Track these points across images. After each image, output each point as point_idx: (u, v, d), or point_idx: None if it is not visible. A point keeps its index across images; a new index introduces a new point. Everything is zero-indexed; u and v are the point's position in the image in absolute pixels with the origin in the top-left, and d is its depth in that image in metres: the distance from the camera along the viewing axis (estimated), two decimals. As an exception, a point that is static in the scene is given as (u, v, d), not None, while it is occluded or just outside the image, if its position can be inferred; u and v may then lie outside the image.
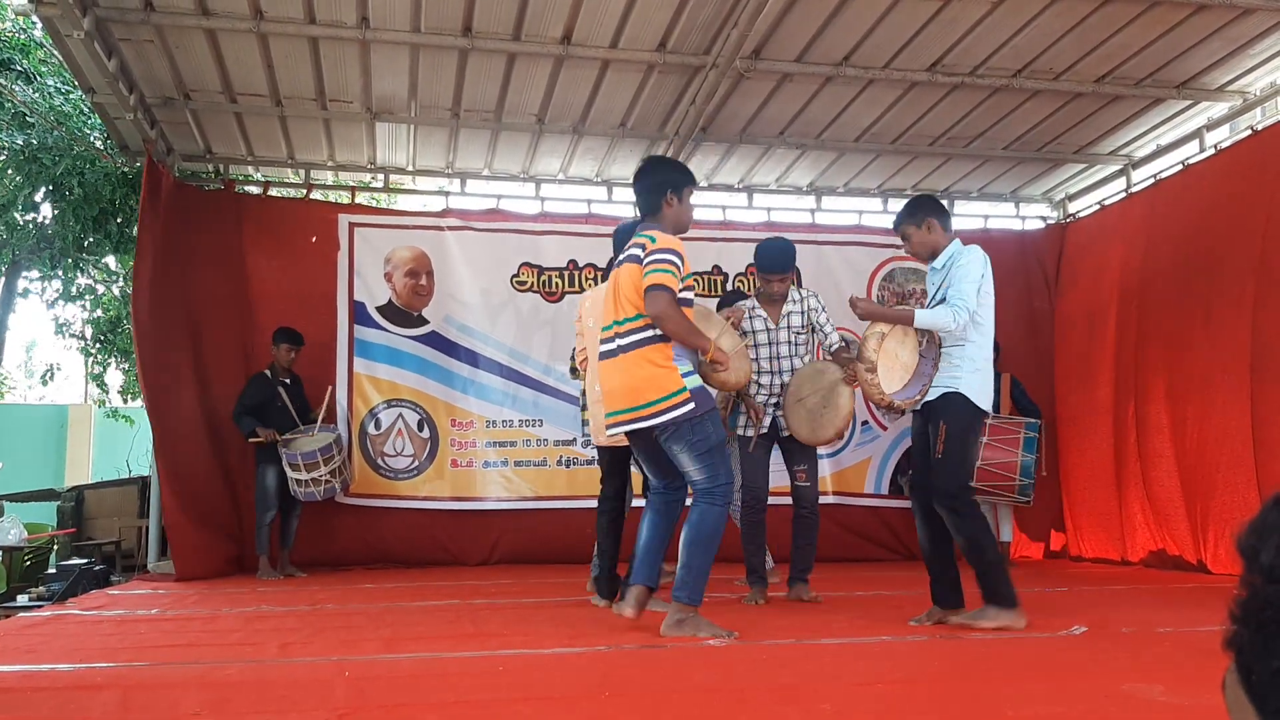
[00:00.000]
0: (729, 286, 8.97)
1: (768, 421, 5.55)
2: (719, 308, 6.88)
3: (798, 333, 5.61)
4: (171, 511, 7.10)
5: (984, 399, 4.53)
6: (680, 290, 4.25)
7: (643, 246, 4.30)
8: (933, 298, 4.68)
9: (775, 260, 5.66)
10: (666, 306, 4.15)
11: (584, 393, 5.79)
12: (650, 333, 4.24)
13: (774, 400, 5.56)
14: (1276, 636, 0.85)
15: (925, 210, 4.75)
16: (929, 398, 4.56)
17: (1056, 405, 8.89)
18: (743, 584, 5.83)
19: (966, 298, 4.47)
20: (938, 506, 4.48)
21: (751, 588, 5.65)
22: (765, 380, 5.58)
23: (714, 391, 5.82)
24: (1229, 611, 0.90)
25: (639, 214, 4.60)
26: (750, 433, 5.59)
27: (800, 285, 5.81)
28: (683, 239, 9.21)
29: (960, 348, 4.52)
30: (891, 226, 4.96)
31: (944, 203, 9.48)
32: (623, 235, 5.18)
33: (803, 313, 5.64)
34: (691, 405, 4.16)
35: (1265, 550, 0.87)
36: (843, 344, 5.64)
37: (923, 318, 4.50)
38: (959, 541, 4.46)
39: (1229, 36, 6.75)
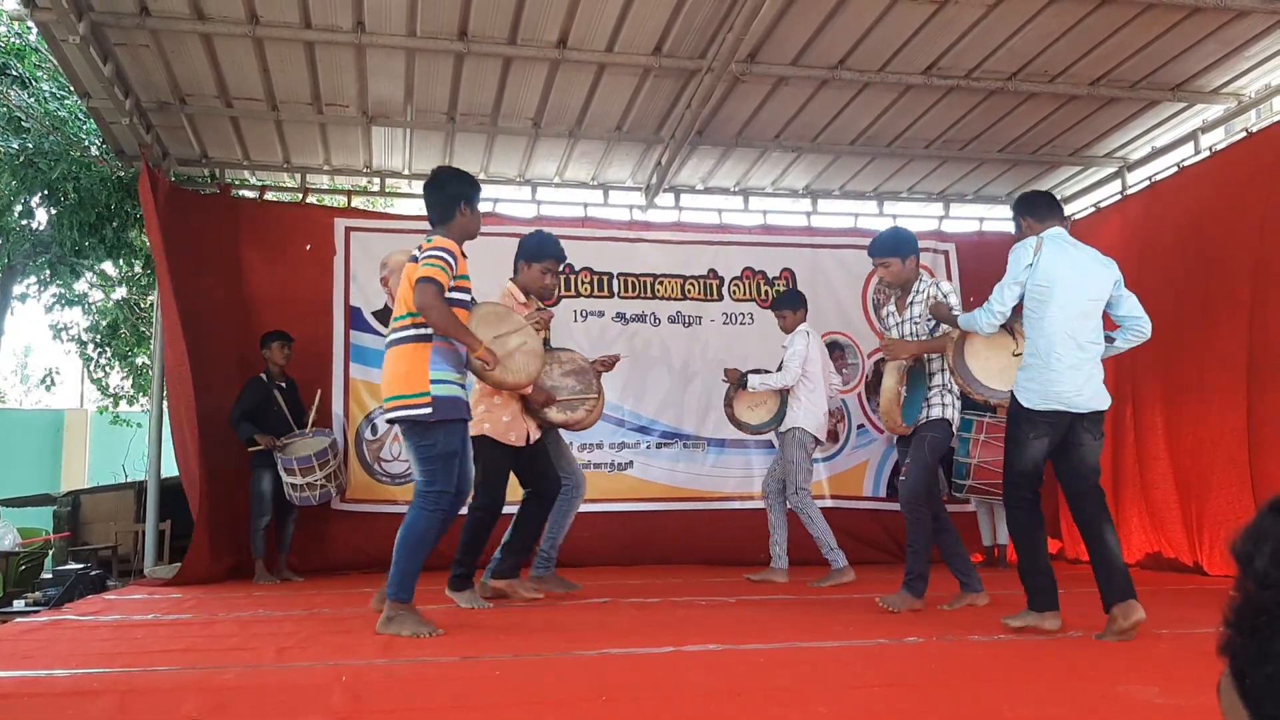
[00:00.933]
0: (724, 290, 8.97)
1: (935, 413, 5.35)
2: (777, 306, 7.14)
3: (916, 322, 5.44)
4: (203, 513, 7.12)
5: (1034, 396, 4.38)
6: (452, 290, 4.45)
7: (420, 247, 4.54)
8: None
9: (872, 246, 5.68)
10: (430, 299, 4.32)
11: None
12: (411, 332, 4.46)
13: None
14: (1270, 641, 0.85)
15: (1021, 209, 4.78)
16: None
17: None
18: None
19: (996, 295, 4.51)
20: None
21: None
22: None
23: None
24: (1223, 616, 0.90)
25: (430, 222, 4.74)
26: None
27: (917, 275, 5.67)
28: (680, 240, 9.28)
29: (1030, 343, 4.48)
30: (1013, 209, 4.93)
31: (945, 205, 9.57)
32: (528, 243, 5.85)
33: (923, 301, 5.45)
34: (427, 410, 4.35)
35: (1259, 556, 0.87)
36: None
37: (962, 320, 4.70)
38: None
39: (1224, 39, 6.77)
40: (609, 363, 6.13)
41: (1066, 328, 4.37)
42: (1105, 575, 4.22)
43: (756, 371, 6.99)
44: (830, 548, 6.77)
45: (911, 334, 5.43)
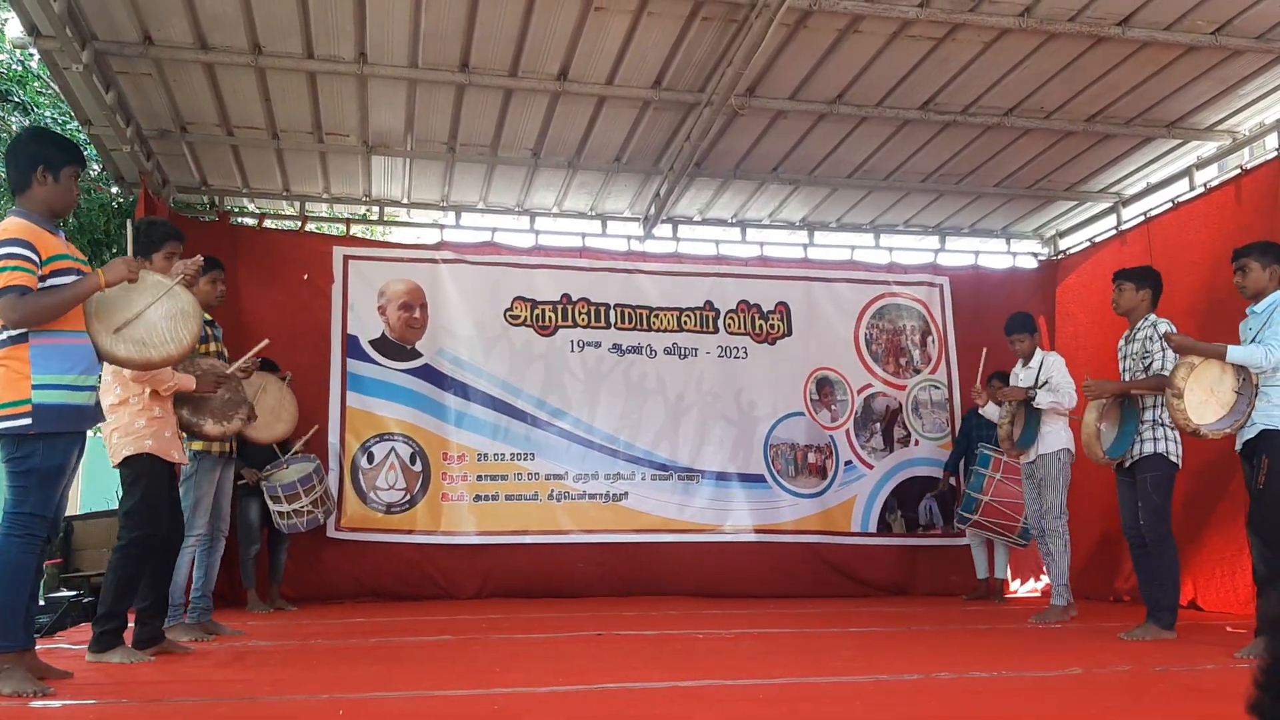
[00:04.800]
0: (720, 322, 8.98)
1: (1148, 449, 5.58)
2: (1010, 331, 6.90)
3: (1133, 359, 5.72)
4: None
5: None
6: (47, 278, 3.70)
7: None
8: (1251, 339, 4.90)
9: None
10: (16, 311, 3.60)
11: None
12: (4, 334, 3.70)
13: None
14: None
15: (1275, 256, 4.95)
16: (1248, 435, 4.83)
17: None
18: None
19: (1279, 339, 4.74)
20: (1251, 534, 4.83)
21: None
22: None
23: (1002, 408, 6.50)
24: (1253, 678, 0.91)
25: (11, 191, 3.94)
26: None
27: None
28: (677, 272, 9.29)
29: (1276, 388, 4.79)
30: (1240, 252, 5.04)
31: (941, 238, 9.62)
32: None
33: (1142, 340, 5.68)
34: (26, 421, 3.64)
35: None
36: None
37: (1235, 353, 4.80)
38: (1259, 570, 4.82)
39: (1218, 77, 6.84)
40: (249, 368, 5.49)
41: None
42: None
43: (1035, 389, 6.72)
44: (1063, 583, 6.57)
45: (1128, 369, 5.73)
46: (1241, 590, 6.69)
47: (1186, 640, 5.47)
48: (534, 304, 8.72)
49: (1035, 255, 9.86)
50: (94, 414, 3.94)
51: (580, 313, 8.77)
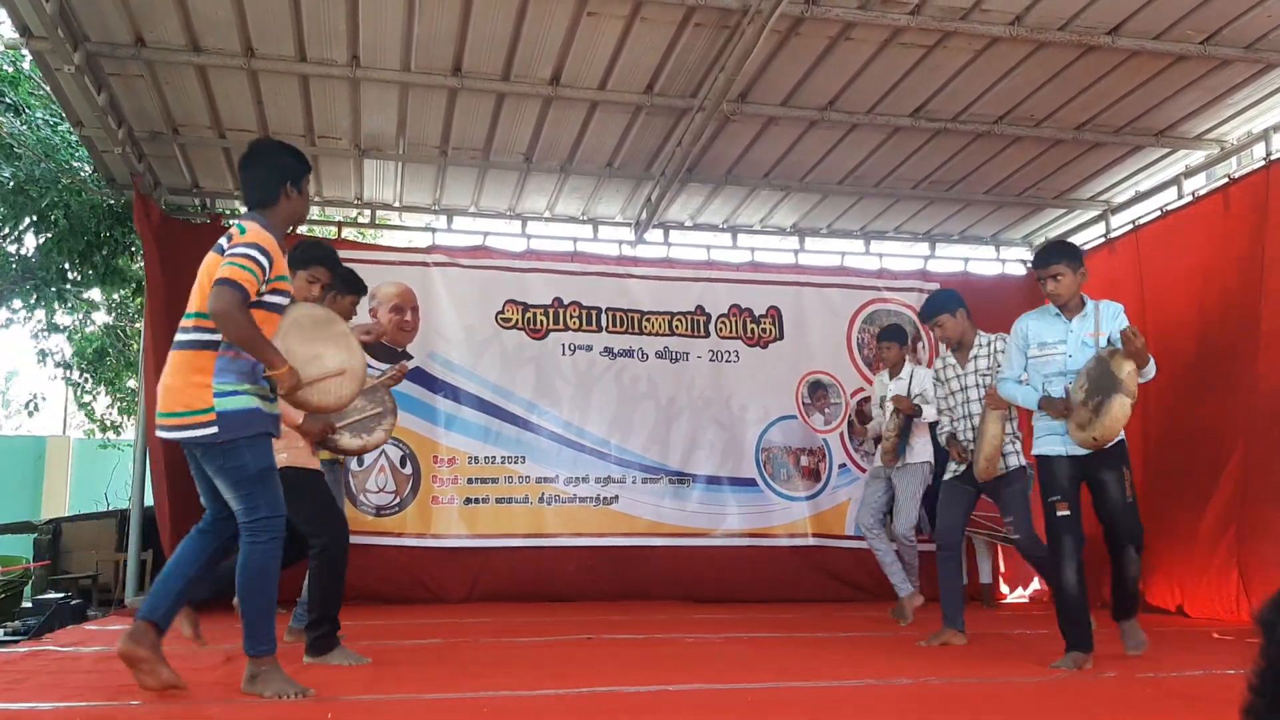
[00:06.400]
0: (711, 327, 9.01)
1: (1013, 462, 5.55)
2: (881, 339, 7.08)
3: (983, 375, 5.65)
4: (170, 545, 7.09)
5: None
6: (266, 295, 3.68)
7: (230, 236, 3.73)
8: (1082, 343, 4.73)
9: (923, 308, 6.03)
10: (230, 306, 3.52)
11: None
12: (196, 336, 3.67)
13: (968, 443, 5.59)
14: None
15: (1081, 259, 4.89)
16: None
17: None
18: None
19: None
20: (1133, 548, 4.73)
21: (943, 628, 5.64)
22: (961, 425, 5.66)
23: (884, 420, 6.48)
24: (1247, 682, 0.92)
25: (246, 205, 3.96)
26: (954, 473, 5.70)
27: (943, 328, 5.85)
28: (668, 277, 9.31)
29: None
30: (1041, 260, 4.92)
31: (930, 245, 9.66)
32: None
33: (989, 356, 5.67)
34: (214, 430, 3.58)
35: None
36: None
37: (1149, 371, 4.59)
38: (1133, 580, 4.76)
39: (1207, 86, 6.89)
40: (398, 376, 5.41)
41: None
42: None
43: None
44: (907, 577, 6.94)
45: (976, 385, 5.63)
46: (1227, 596, 6.72)
47: (1175, 646, 5.50)
48: (525, 307, 8.72)
49: (1024, 262, 9.89)
50: (276, 422, 3.84)
51: (572, 316, 8.78)
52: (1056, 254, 4.87)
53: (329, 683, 4.07)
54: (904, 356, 7.03)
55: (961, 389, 5.72)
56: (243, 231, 3.69)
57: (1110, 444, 4.61)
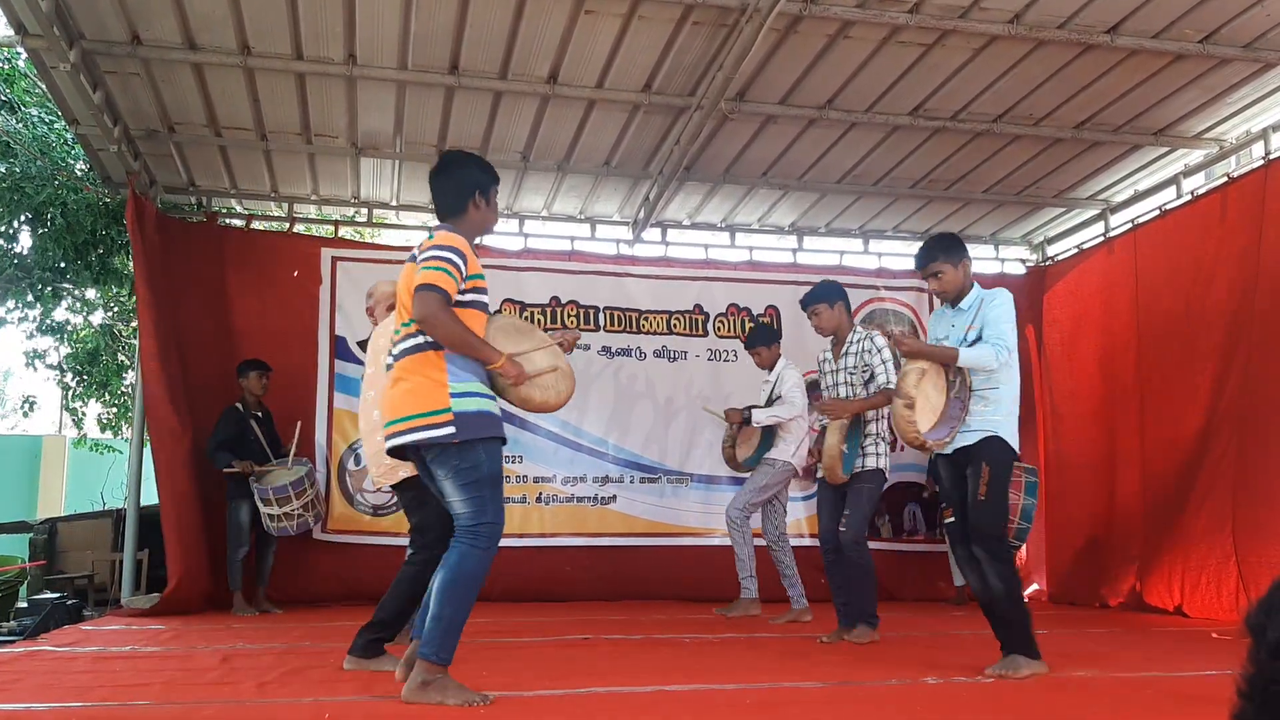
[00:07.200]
0: (709, 326, 9.00)
1: (870, 464, 5.65)
2: (751, 344, 7.10)
3: (851, 372, 5.70)
4: (172, 544, 7.09)
5: (1016, 442, 4.56)
6: (466, 293, 3.70)
7: (421, 244, 3.81)
8: (961, 339, 4.59)
9: (804, 296, 6.02)
10: (435, 309, 3.55)
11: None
12: (418, 340, 3.68)
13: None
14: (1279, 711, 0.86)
15: (961, 250, 4.78)
16: (965, 441, 4.49)
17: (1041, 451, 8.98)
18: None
19: (1005, 337, 4.50)
20: (978, 550, 4.42)
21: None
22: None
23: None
24: (1235, 685, 0.91)
25: (437, 216, 4.01)
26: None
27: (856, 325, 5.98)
28: (666, 276, 9.30)
29: (995, 390, 4.50)
30: (921, 260, 4.82)
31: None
32: None
33: (857, 354, 5.71)
34: (451, 429, 3.56)
35: (1272, 628, 0.88)
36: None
37: (967, 356, 4.46)
38: (995, 587, 4.37)
39: (1205, 86, 6.88)
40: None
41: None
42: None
43: (752, 408, 6.90)
44: (750, 575, 6.95)
45: (845, 382, 5.72)
46: (1226, 597, 6.72)
47: (1173, 647, 5.49)
48: (523, 306, 8.70)
49: (1023, 261, 9.89)
50: (501, 423, 3.79)
51: (569, 315, 8.76)
52: (933, 251, 4.75)
53: (325, 684, 4.06)
54: (775, 356, 6.98)
55: (834, 385, 5.80)
56: (431, 237, 3.74)
57: (950, 445, 4.50)
